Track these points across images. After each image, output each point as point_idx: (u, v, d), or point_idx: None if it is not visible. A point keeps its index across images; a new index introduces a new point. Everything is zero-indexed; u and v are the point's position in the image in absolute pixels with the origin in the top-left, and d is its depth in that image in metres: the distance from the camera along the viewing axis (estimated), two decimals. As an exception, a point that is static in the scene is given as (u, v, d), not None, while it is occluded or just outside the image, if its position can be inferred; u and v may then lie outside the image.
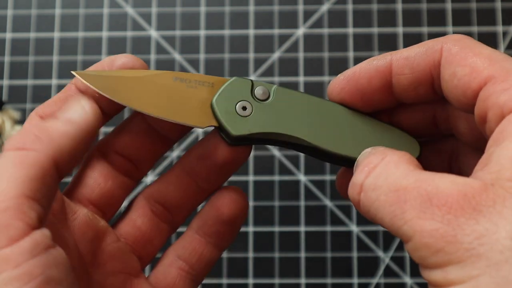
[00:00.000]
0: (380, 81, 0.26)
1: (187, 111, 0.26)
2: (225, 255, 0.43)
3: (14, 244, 0.19)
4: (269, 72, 0.46)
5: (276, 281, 0.43)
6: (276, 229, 0.43)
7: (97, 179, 0.27)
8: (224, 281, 0.43)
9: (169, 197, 0.28)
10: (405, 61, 0.26)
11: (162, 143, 0.28)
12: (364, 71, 0.26)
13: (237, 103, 0.27)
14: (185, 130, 0.28)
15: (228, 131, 0.26)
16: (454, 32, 0.45)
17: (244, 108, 0.27)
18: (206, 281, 0.43)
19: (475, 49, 0.23)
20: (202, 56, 0.46)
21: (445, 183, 0.20)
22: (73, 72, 0.27)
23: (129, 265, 0.27)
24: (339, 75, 0.27)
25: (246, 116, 0.27)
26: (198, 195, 0.29)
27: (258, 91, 0.27)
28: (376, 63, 0.26)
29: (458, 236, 0.19)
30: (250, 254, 0.43)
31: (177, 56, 0.46)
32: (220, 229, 0.28)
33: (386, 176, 0.22)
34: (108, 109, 0.26)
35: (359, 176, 0.23)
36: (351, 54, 0.46)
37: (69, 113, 0.24)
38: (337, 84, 0.27)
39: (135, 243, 0.28)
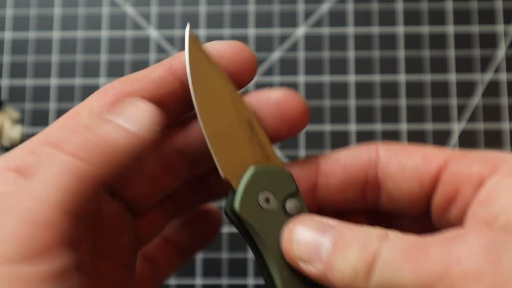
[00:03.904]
0: (305, 183, 0.24)
1: (229, 154, 0.23)
2: (225, 255, 0.43)
3: (37, 262, 0.17)
4: (269, 72, 0.46)
5: (276, 281, 0.43)
6: (276, 229, 0.43)
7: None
8: (224, 281, 0.43)
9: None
10: (335, 160, 0.24)
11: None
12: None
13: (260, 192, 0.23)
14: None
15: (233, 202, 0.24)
16: (454, 32, 0.45)
17: (267, 200, 0.23)
18: (206, 281, 0.43)
19: (411, 146, 0.23)
20: (202, 56, 0.46)
21: None
22: (187, 33, 0.23)
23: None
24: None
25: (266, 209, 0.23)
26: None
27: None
28: (301, 164, 0.25)
29: None
30: (250, 254, 0.43)
31: (177, 56, 0.46)
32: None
33: None
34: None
35: None
36: (351, 54, 0.46)
37: (131, 122, 0.20)
38: None
39: None
